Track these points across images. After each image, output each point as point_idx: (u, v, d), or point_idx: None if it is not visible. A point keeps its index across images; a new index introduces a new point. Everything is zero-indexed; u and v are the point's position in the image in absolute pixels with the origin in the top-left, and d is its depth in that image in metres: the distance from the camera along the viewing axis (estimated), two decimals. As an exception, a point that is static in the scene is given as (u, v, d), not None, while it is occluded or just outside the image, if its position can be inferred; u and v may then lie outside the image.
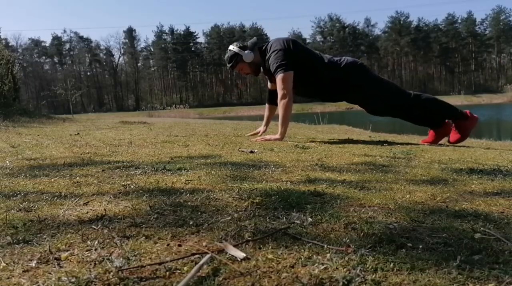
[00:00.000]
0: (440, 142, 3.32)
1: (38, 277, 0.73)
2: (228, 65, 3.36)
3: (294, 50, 3.16)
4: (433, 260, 0.79)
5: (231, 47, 3.33)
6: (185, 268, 0.76)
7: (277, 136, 3.12)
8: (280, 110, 3.12)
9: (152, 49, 71.11)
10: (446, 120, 3.28)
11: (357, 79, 3.19)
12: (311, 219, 1.04)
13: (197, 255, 0.81)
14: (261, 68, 3.37)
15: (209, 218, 1.05)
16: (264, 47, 3.29)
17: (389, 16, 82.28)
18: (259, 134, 3.52)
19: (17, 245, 0.88)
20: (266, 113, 3.63)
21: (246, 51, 3.24)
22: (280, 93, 3.13)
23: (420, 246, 0.86)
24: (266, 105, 3.63)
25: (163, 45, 68.37)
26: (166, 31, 69.44)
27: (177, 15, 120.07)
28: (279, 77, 3.10)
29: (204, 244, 0.87)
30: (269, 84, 3.57)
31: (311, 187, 1.38)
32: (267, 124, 3.61)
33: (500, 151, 2.79)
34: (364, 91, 3.22)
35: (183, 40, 67.94)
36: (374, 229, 0.96)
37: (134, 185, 1.44)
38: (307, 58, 3.21)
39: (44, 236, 0.93)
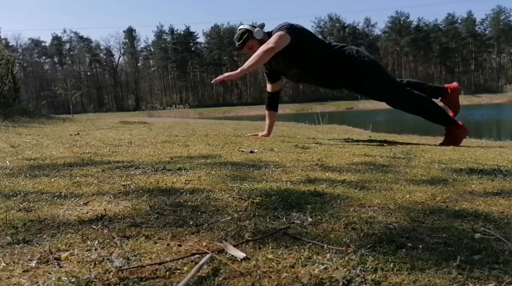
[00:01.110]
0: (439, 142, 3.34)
1: (38, 277, 0.73)
2: (238, 43, 3.31)
3: (301, 30, 3.18)
4: (433, 260, 0.79)
5: (241, 26, 3.34)
6: (185, 268, 0.76)
7: (236, 72, 2.96)
8: (257, 51, 3.00)
9: (152, 49, 71.14)
10: (460, 123, 3.30)
11: (362, 67, 3.19)
12: (311, 219, 1.04)
13: (197, 255, 0.81)
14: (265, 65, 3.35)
15: (209, 218, 1.05)
16: (270, 31, 3.26)
17: (389, 16, 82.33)
18: (258, 136, 3.51)
19: (17, 245, 0.88)
20: (267, 121, 3.59)
21: (256, 29, 3.24)
22: (267, 44, 3.02)
23: (420, 246, 0.86)
24: (266, 111, 3.59)
25: (163, 45, 68.39)
26: (166, 31, 69.53)
27: (177, 15, 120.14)
28: (277, 33, 3.06)
29: (204, 244, 0.87)
30: (268, 86, 3.54)
31: (311, 187, 1.38)
32: (269, 130, 3.57)
33: (500, 151, 2.79)
34: (370, 81, 3.23)
35: (183, 40, 67.95)
36: (374, 229, 0.96)
37: (134, 185, 1.44)
38: (314, 40, 3.25)
39: (44, 236, 0.93)
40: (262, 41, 3.19)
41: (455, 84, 3.45)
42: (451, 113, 3.37)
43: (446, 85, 3.47)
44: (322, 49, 3.22)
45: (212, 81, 3.08)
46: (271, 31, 3.23)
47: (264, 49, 2.98)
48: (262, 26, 3.30)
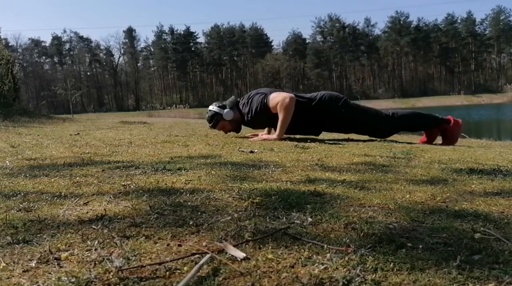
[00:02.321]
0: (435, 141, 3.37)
1: (38, 277, 0.73)
2: (209, 125, 3.49)
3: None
4: (433, 260, 0.79)
5: (210, 107, 3.48)
6: (185, 268, 0.76)
7: (274, 136, 3.15)
8: (282, 111, 3.15)
9: (152, 49, 71.10)
10: (450, 117, 3.36)
11: (337, 111, 3.28)
12: (311, 219, 1.04)
13: (197, 255, 0.81)
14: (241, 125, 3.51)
15: (209, 218, 1.05)
16: (241, 101, 3.42)
17: (389, 16, 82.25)
18: (259, 134, 3.53)
19: (17, 245, 0.88)
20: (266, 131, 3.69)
21: (225, 110, 3.37)
22: (283, 95, 3.19)
23: (420, 246, 0.86)
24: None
25: (163, 45, 68.34)
26: (166, 31, 69.46)
27: (177, 15, 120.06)
28: (282, 93, 3.23)
29: (204, 244, 0.87)
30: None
31: (311, 187, 1.38)
32: (269, 130, 3.64)
33: (500, 151, 2.79)
34: (348, 120, 3.32)
35: (183, 40, 67.91)
36: (374, 229, 0.96)
37: (134, 185, 1.44)
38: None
39: (44, 236, 0.93)
40: (232, 121, 3.39)
41: (459, 121, 3.37)
42: (442, 142, 3.34)
43: (450, 117, 3.39)
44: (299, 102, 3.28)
45: (252, 139, 3.21)
46: (242, 101, 3.40)
47: (286, 108, 3.12)
48: (232, 103, 3.41)
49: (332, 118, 3.31)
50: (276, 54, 67.46)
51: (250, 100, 3.34)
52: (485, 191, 1.40)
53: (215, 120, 3.41)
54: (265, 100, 3.24)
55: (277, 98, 3.19)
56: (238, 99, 3.53)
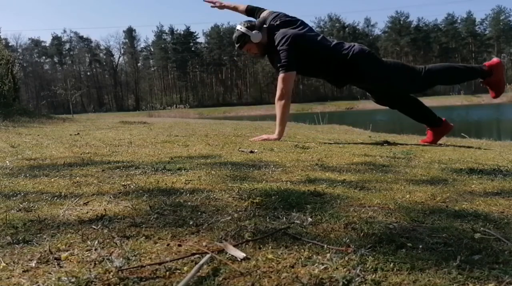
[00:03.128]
0: (439, 141, 3.34)
1: (38, 277, 0.73)
2: (236, 45, 3.33)
3: (301, 45, 3.12)
4: (433, 260, 0.79)
5: (238, 26, 3.29)
6: (185, 268, 0.76)
7: (275, 136, 3.13)
8: (277, 110, 3.12)
9: (152, 49, 71.16)
10: (444, 119, 3.30)
11: (364, 68, 3.11)
12: (311, 219, 1.04)
13: (197, 255, 0.81)
14: (267, 56, 3.35)
15: (209, 218, 1.05)
16: (273, 29, 3.21)
17: (389, 16, 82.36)
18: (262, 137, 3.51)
19: (17, 245, 0.88)
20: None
21: (253, 31, 3.20)
22: (278, 92, 3.12)
23: (420, 246, 0.86)
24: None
25: (163, 45, 68.38)
26: (166, 31, 69.56)
27: (177, 15, 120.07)
28: (280, 77, 3.10)
29: (204, 244, 0.87)
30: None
31: (311, 187, 1.38)
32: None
33: (500, 151, 2.79)
34: (372, 78, 3.17)
35: (183, 40, 67.93)
36: (374, 229, 0.96)
37: (134, 185, 1.44)
38: (315, 51, 3.16)
39: (44, 236, 0.93)
40: (260, 44, 3.21)
41: (496, 59, 3.18)
42: (493, 95, 3.16)
43: (486, 63, 3.20)
44: (323, 55, 3.15)
45: (252, 139, 3.17)
46: (273, 31, 3.20)
47: (281, 106, 3.07)
48: (261, 24, 3.25)
49: (361, 77, 3.17)
50: (276, 54, 67.35)
51: (276, 44, 3.12)
52: (485, 191, 1.40)
53: (242, 41, 3.24)
54: (277, 70, 3.13)
55: (279, 85, 3.07)
56: (267, 17, 3.30)
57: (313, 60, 3.15)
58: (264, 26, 3.25)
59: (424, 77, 3.12)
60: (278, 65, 3.10)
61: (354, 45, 3.17)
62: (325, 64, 3.16)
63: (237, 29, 3.29)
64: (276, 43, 3.15)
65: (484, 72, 3.13)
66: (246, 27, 3.22)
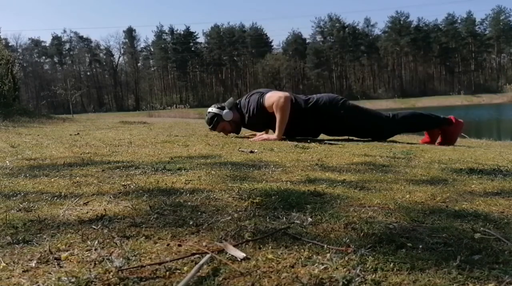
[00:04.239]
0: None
1: (38, 277, 0.73)
2: (209, 127, 3.50)
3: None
4: (433, 260, 0.79)
5: (209, 109, 3.49)
6: (185, 268, 0.76)
7: (274, 136, 3.16)
8: (278, 111, 3.16)
9: (152, 49, 71.10)
10: (452, 117, 3.36)
11: (336, 113, 3.28)
12: (311, 219, 1.04)
13: (197, 255, 0.81)
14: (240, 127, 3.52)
15: (209, 218, 1.05)
16: (239, 102, 3.44)
17: (389, 16, 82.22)
18: (257, 135, 3.53)
19: (17, 245, 0.88)
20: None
21: (224, 111, 3.38)
22: (278, 94, 3.20)
23: (420, 246, 0.86)
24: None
25: (163, 45, 68.34)
26: (166, 31, 69.46)
27: (177, 15, 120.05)
28: (275, 93, 3.26)
29: (204, 244, 0.87)
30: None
31: (311, 187, 1.38)
32: (267, 130, 3.65)
33: (500, 151, 2.79)
34: (348, 122, 3.32)
35: (183, 40, 67.89)
36: (374, 229, 0.96)
37: (134, 185, 1.44)
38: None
39: (44, 236, 0.93)
40: (232, 121, 3.40)
41: (461, 121, 3.39)
42: (440, 140, 3.36)
43: (452, 117, 3.39)
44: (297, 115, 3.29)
45: (252, 139, 3.22)
46: (239, 101, 3.42)
47: (282, 107, 3.14)
48: (230, 104, 3.42)
49: (331, 121, 3.31)
50: (276, 54, 67.46)
51: (248, 101, 3.36)
52: (485, 191, 1.40)
53: (215, 122, 3.42)
54: (261, 100, 3.25)
55: (272, 98, 3.19)
56: (237, 101, 3.54)
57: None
58: (233, 105, 3.43)
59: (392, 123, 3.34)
60: (272, 91, 3.32)
61: (322, 96, 3.38)
62: (302, 117, 3.29)
63: (208, 112, 3.47)
64: (247, 96, 3.39)
65: (446, 121, 3.31)
66: (217, 108, 3.44)
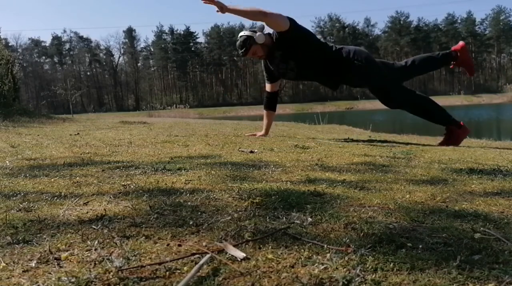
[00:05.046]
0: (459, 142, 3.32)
1: (38, 277, 0.73)
2: (241, 51, 3.32)
3: (301, 26, 3.23)
4: (433, 260, 0.79)
5: (241, 33, 3.35)
6: (185, 268, 0.76)
7: (262, 132, 3.22)
8: (249, 9, 3.10)
9: (152, 49, 71.10)
10: (461, 123, 3.32)
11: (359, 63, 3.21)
12: (311, 219, 1.04)
13: (197, 255, 0.81)
14: (267, 62, 3.41)
15: (209, 218, 1.05)
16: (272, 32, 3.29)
17: (389, 16, 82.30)
18: (256, 135, 3.52)
19: (17, 245, 0.88)
20: (265, 121, 3.62)
21: (257, 33, 3.24)
22: (263, 12, 3.10)
23: (420, 246, 0.86)
24: (265, 111, 3.62)
25: (163, 45, 68.34)
26: (166, 31, 69.46)
27: (177, 15, 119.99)
28: (277, 14, 3.13)
29: (204, 244, 0.87)
30: (267, 86, 3.58)
31: (311, 187, 1.38)
32: (267, 130, 3.61)
33: (500, 151, 2.79)
34: (368, 77, 3.27)
35: (183, 40, 67.89)
36: (374, 229, 0.96)
37: (134, 185, 1.44)
38: (312, 37, 3.33)
39: (44, 236, 0.93)
40: (264, 45, 3.26)
41: (461, 43, 3.45)
42: (468, 74, 3.46)
43: (452, 47, 3.46)
44: (320, 46, 3.27)
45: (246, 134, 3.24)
46: (272, 33, 3.27)
47: (255, 11, 3.08)
48: (262, 28, 3.31)
49: (350, 71, 3.26)
50: (276, 54, 67.26)
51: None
52: (485, 191, 1.40)
53: (247, 44, 3.26)
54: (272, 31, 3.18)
55: (267, 10, 3.11)
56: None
57: (307, 49, 3.24)
58: (265, 30, 3.30)
59: (407, 69, 3.33)
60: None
61: (350, 46, 3.33)
62: (319, 55, 3.25)
63: (240, 35, 3.34)
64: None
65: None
66: (250, 31, 3.29)
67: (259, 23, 3.35)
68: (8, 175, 1.68)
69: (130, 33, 69.42)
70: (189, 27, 69.18)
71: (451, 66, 3.50)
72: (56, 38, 69.16)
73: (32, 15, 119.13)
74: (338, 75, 3.33)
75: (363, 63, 3.21)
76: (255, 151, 2.37)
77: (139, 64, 72.53)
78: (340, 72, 3.30)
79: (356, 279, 0.71)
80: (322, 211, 1.10)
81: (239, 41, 3.32)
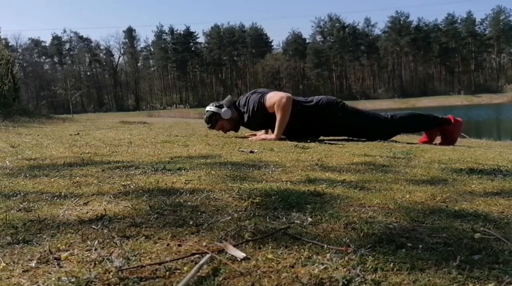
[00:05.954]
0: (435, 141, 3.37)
1: (38, 277, 0.73)
2: (208, 126, 3.49)
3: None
4: (433, 260, 0.79)
5: (207, 108, 3.47)
6: (185, 268, 0.76)
7: (273, 136, 3.16)
8: (279, 111, 3.15)
9: (152, 49, 71.09)
10: (450, 117, 3.36)
11: (335, 116, 3.30)
12: (311, 219, 1.04)
13: (197, 255, 0.81)
14: (239, 125, 3.51)
15: (209, 218, 1.05)
16: (238, 100, 3.44)
17: (389, 16, 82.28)
18: (257, 134, 3.54)
19: (17, 245, 0.88)
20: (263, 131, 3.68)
21: (223, 109, 3.37)
22: (280, 94, 3.23)
23: (420, 246, 0.86)
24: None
25: (163, 45, 68.33)
26: (166, 31, 69.46)
27: (177, 15, 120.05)
28: (275, 93, 3.28)
29: (204, 244, 0.87)
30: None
31: (311, 187, 1.38)
32: (266, 130, 3.65)
33: (500, 151, 2.79)
34: (346, 124, 3.34)
35: (183, 40, 67.88)
36: (374, 229, 0.96)
37: (134, 185, 1.44)
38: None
39: (44, 236, 0.93)
40: (231, 119, 3.39)
41: (460, 120, 3.41)
42: (444, 143, 3.34)
43: (450, 116, 3.42)
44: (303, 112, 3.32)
45: (250, 139, 3.24)
46: (238, 101, 3.43)
47: (283, 107, 3.15)
48: (228, 102, 3.43)
49: (329, 123, 3.32)
50: (276, 54, 67.40)
51: (247, 100, 3.36)
52: (485, 191, 1.40)
53: (213, 120, 3.41)
54: (262, 100, 3.25)
55: (274, 98, 3.20)
56: (235, 99, 3.54)
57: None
58: (231, 103, 3.44)
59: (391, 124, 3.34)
60: (273, 91, 3.34)
61: (321, 97, 3.39)
62: (302, 117, 3.30)
63: (207, 110, 3.46)
64: (247, 96, 3.40)
65: (445, 121, 3.32)
66: (215, 106, 3.43)
67: (226, 97, 3.53)
68: (8, 175, 1.68)
69: (130, 33, 69.41)
70: (189, 27, 69.24)
71: (438, 128, 3.36)
72: (56, 38, 69.16)
73: (32, 15, 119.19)
74: (317, 129, 3.40)
75: (342, 115, 3.28)
76: (255, 150, 2.37)
77: (139, 64, 72.56)
78: (320, 126, 3.37)
79: (356, 279, 0.71)
80: (322, 211, 1.10)
81: (205, 116, 3.47)
